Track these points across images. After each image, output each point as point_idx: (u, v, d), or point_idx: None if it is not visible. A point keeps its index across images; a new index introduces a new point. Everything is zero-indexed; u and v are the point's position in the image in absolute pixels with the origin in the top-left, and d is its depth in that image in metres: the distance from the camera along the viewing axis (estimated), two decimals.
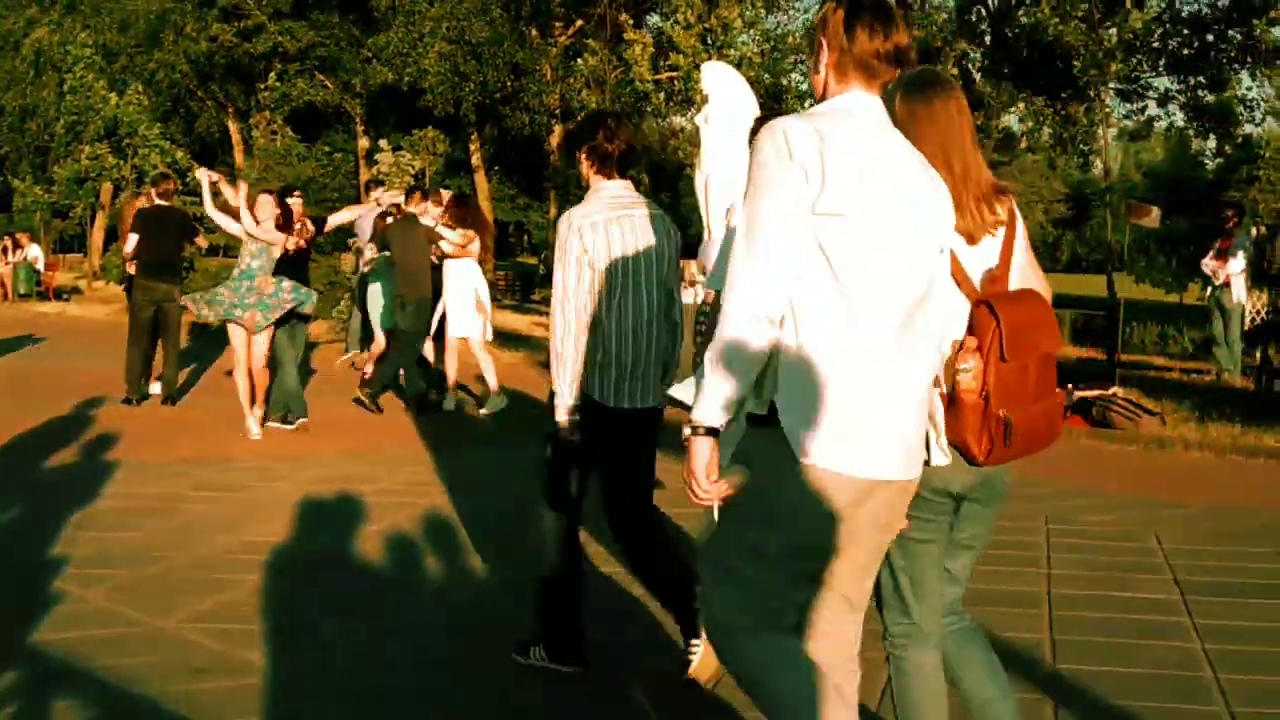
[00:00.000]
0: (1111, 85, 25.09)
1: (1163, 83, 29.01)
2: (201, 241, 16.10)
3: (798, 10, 34.09)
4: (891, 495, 3.62)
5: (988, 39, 26.81)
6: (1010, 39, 24.41)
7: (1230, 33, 26.62)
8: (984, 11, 27.66)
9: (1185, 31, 27.62)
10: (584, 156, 5.77)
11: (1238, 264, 17.81)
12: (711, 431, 3.54)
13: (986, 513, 4.18)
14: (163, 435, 12.50)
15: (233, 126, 48.31)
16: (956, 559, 4.27)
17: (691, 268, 19.58)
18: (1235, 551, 8.29)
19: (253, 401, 12.50)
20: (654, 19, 37.94)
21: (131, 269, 15.00)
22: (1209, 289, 18.37)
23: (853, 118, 3.57)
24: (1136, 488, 10.61)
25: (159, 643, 6.12)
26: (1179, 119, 29.56)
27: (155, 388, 14.95)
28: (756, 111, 18.79)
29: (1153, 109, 29.83)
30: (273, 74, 40.55)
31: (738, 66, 21.08)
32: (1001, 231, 4.00)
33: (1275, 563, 8.02)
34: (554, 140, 39.55)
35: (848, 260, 3.45)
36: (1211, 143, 29.03)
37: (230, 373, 13.33)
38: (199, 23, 41.59)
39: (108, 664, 5.80)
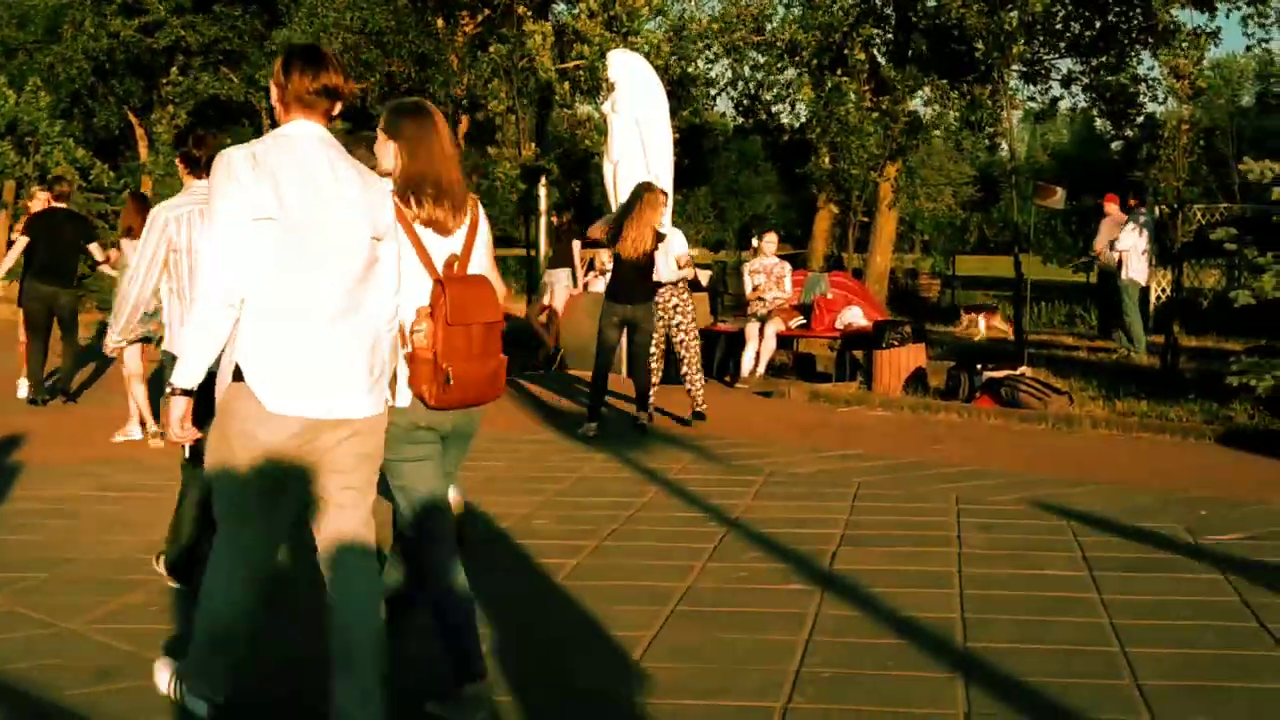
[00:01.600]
0: (1014, 67, 25.30)
1: (1065, 64, 29.28)
2: (99, 252, 15.41)
3: None
4: (339, 429, 4.67)
5: (892, 23, 26.94)
6: (914, 23, 24.51)
7: (1130, 13, 26.89)
8: None
9: (1086, 13, 27.87)
10: (179, 161, 7.14)
11: (1130, 239, 18.06)
12: (187, 392, 4.58)
13: (463, 447, 5.45)
14: (67, 436, 12.33)
15: (135, 122, 47.73)
16: None
17: (602, 256, 19.61)
18: (1143, 528, 8.38)
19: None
20: (560, 7, 37.90)
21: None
22: (1096, 268, 18.69)
23: (294, 141, 4.69)
24: (1045, 466, 10.70)
25: (66, 645, 6.04)
26: (1082, 100, 29.86)
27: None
28: (664, 99, 18.86)
29: (1056, 90, 30.12)
30: (175, 68, 40.08)
31: (645, 55, 21.05)
32: (465, 228, 5.19)
33: (1182, 537, 8.11)
34: (461, 130, 39.35)
35: (285, 252, 4.52)
36: (1113, 123, 29.35)
37: None
38: (98, 17, 41.03)
39: (14, 668, 5.71)
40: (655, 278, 12.66)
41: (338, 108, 4.86)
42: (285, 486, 4.72)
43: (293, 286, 4.54)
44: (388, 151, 5.14)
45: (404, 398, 4.99)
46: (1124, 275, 18.15)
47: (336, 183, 4.66)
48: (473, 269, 5.18)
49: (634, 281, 12.37)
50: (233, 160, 4.55)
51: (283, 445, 4.58)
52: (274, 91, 4.85)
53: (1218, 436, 11.90)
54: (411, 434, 5.06)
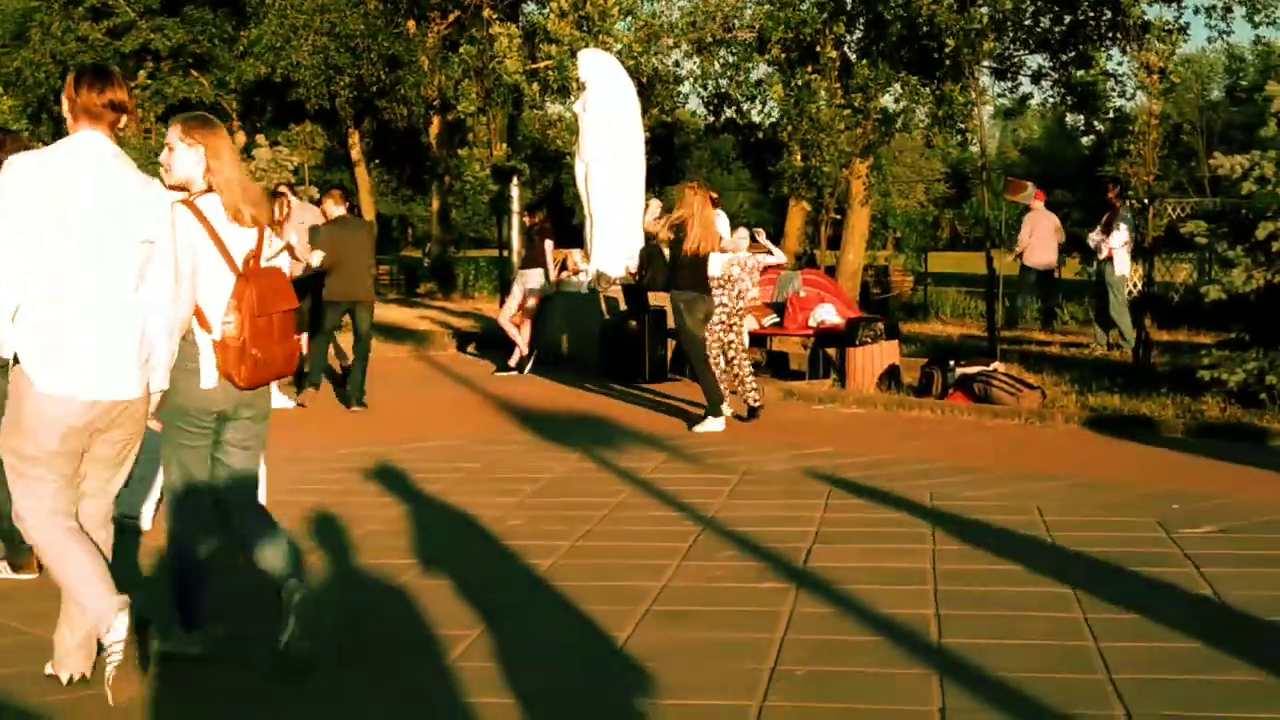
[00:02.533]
0: (985, 64, 25.35)
1: (1035, 60, 29.34)
2: None
3: None
4: (109, 410, 5.26)
5: (862, 21, 26.95)
6: (885, 20, 24.52)
7: (1099, 9, 26.95)
8: None
9: (1055, 8, 27.93)
10: None
11: (1120, 237, 18.08)
12: None
13: (261, 425, 5.94)
14: None
15: None
16: (232, 455, 5.88)
17: (574, 256, 19.62)
18: (1116, 522, 8.40)
19: None
20: (531, 7, 37.89)
21: None
22: (1094, 263, 18.67)
23: (79, 150, 5.26)
24: (1018, 462, 10.73)
25: (39, 652, 6.00)
26: (1052, 96, 29.93)
27: None
28: (635, 99, 18.84)
29: (1026, 86, 30.21)
30: (143, 71, 39.95)
31: (615, 54, 21.06)
32: (256, 228, 5.70)
33: (1155, 531, 8.14)
34: (433, 132, 39.31)
35: (62, 250, 5.08)
36: (1084, 119, 29.42)
37: None
38: (66, 21, 40.87)
39: None
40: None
41: (124, 120, 5.43)
42: (63, 455, 5.30)
43: (65, 281, 5.11)
44: (189, 158, 5.63)
45: (209, 379, 5.59)
46: (1115, 272, 18.18)
47: (114, 190, 5.23)
48: (265, 263, 5.76)
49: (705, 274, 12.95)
50: (18, 164, 5.16)
51: (57, 422, 5.20)
52: (65, 104, 5.39)
53: (1189, 430, 11.94)
54: (200, 417, 5.68)
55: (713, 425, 12.53)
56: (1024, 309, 22.12)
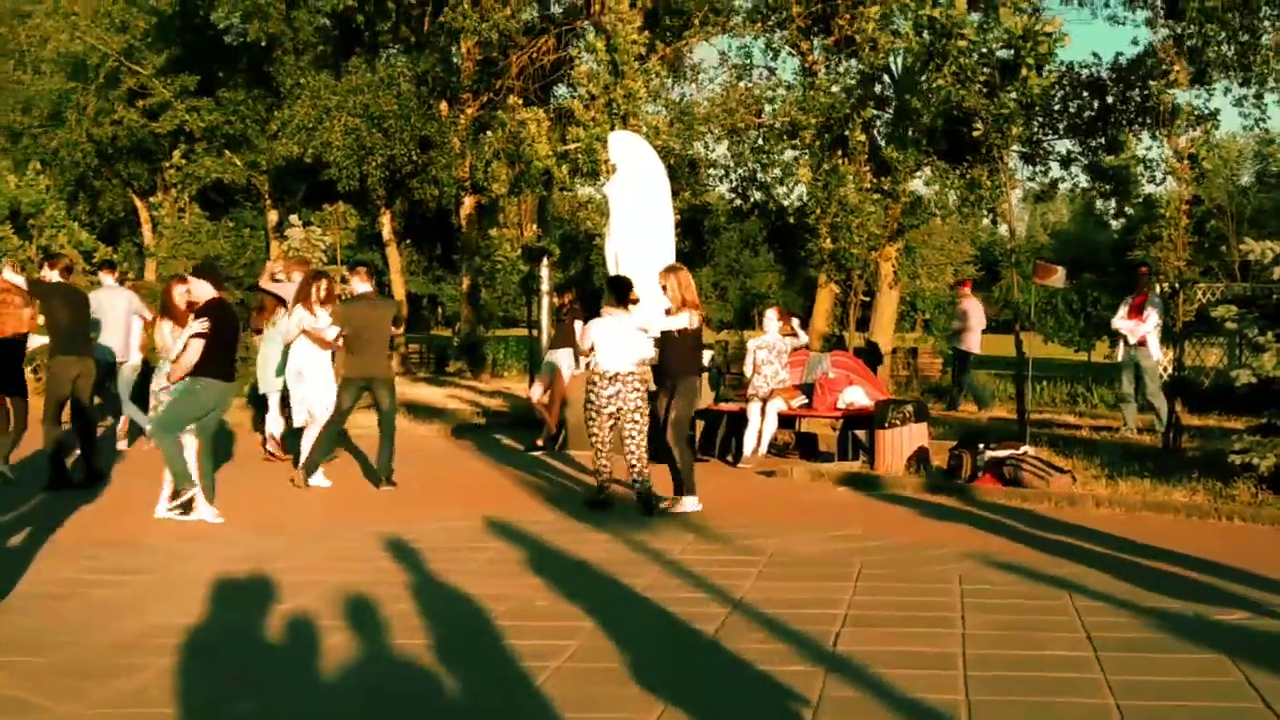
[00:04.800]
0: (1013, 148, 25.43)
1: (1064, 145, 29.47)
2: None
3: (705, 79, 34.36)
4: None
5: (892, 105, 27.12)
6: (914, 105, 24.68)
7: (1128, 94, 27.09)
8: (888, 79, 27.99)
9: (1084, 94, 28.09)
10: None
11: (1153, 321, 18.01)
12: None
13: None
14: (69, 517, 12.30)
15: (139, 204, 47.96)
16: None
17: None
18: (1146, 606, 8.34)
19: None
20: (562, 90, 38.14)
21: None
22: (1120, 347, 18.58)
23: None
24: (1048, 547, 10.67)
25: None
26: (1081, 180, 30.03)
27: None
28: (665, 179, 18.96)
29: (1056, 171, 30.34)
30: (178, 152, 40.32)
31: (645, 136, 21.18)
32: None
33: (1186, 615, 8.07)
34: (464, 212, 39.51)
35: None
36: (1114, 203, 29.51)
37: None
38: (102, 102, 41.32)
39: None
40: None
41: None
42: None
43: None
44: None
45: None
46: (1150, 356, 18.05)
47: None
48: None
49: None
50: None
51: None
52: None
53: (1221, 516, 11.88)
54: None
55: (692, 505, 12.62)
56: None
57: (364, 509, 12.78)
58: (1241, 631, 7.72)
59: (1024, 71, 20.73)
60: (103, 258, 31.99)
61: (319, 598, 8.63)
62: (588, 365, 18.37)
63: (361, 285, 14.47)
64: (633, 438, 12.59)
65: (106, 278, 18.10)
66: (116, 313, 17.18)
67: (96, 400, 16.51)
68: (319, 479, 14.20)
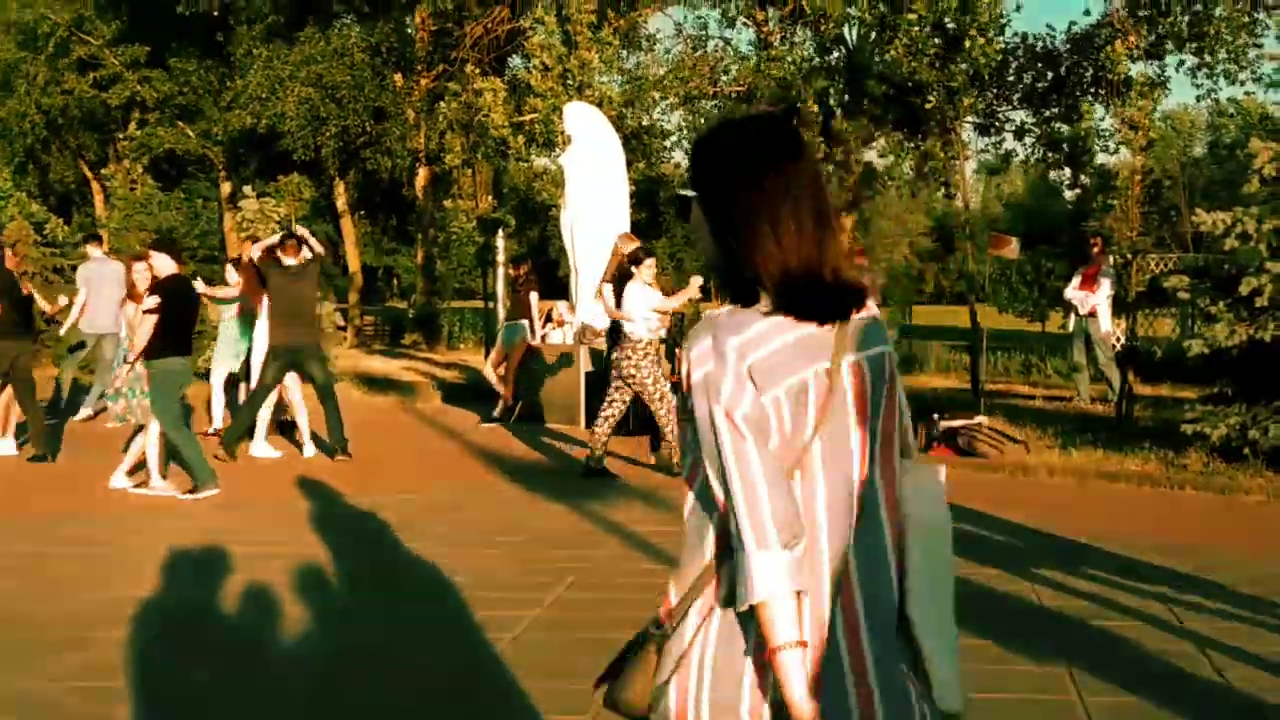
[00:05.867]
0: (968, 119, 25.50)
1: (1018, 116, 29.56)
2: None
3: (661, 50, 34.28)
4: None
5: (845, 76, 27.15)
6: (867, 76, 24.71)
7: (1082, 65, 27.18)
8: (843, 50, 28.02)
9: (1038, 65, 28.16)
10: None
11: (1104, 292, 18.07)
12: None
13: None
14: (23, 490, 12.25)
15: (90, 176, 47.62)
16: None
17: (559, 307, 19.66)
18: (1099, 576, 8.41)
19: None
20: (516, 61, 38.03)
21: None
22: (1072, 317, 18.66)
23: None
24: (1002, 516, 10.72)
25: (24, 704, 5.99)
26: (1036, 151, 30.11)
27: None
28: (620, 150, 18.95)
29: (1010, 142, 30.37)
30: (133, 124, 40.04)
31: (599, 106, 21.16)
32: None
33: (1128, 584, 8.14)
34: (419, 183, 39.39)
35: None
36: (1068, 173, 29.61)
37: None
38: (53, 72, 40.97)
39: None
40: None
41: None
42: None
43: None
44: None
45: None
46: (1100, 328, 18.12)
47: None
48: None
49: None
50: None
51: None
52: None
53: (1172, 484, 11.98)
54: None
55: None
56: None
57: (322, 481, 12.75)
58: (1185, 587, 7.79)
59: (968, 43, 20.80)
60: (54, 230, 31.80)
61: (278, 570, 8.62)
62: (542, 337, 18.40)
63: (288, 259, 14.45)
64: (664, 410, 12.74)
65: (94, 250, 18.04)
66: (107, 285, 17.04)
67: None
68: (265, 450, 14.19)
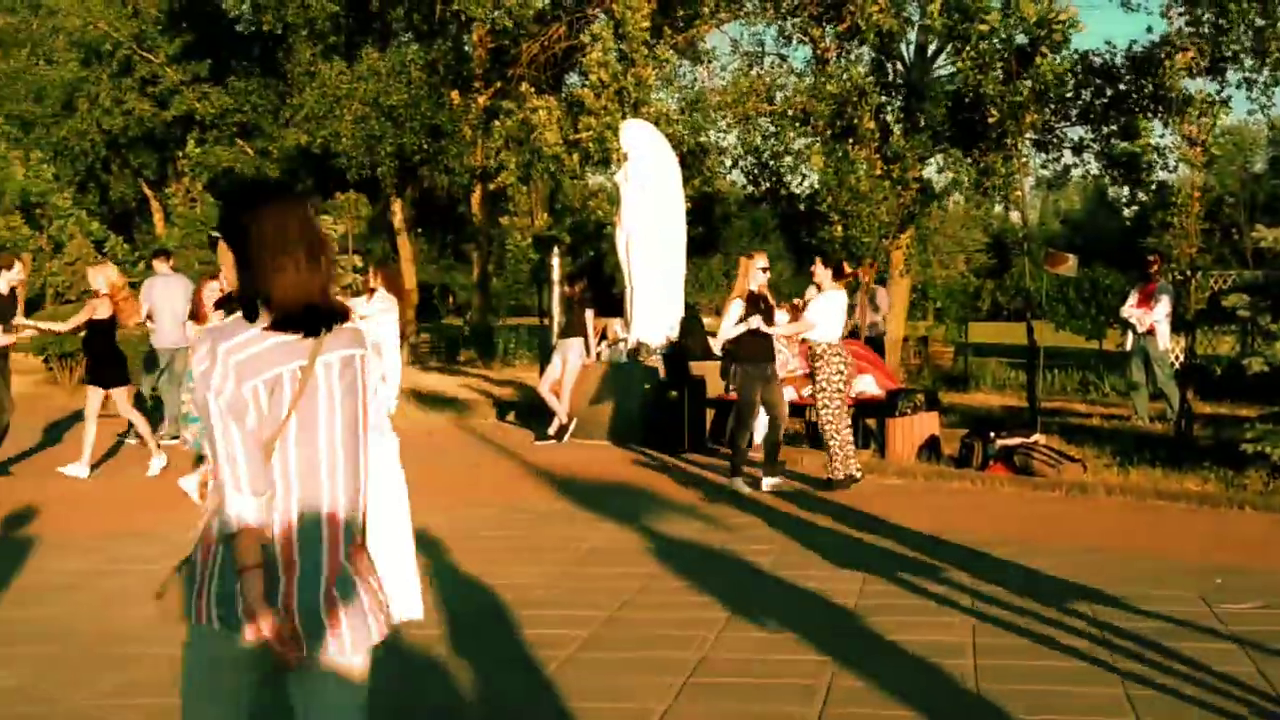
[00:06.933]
0: (1027, 135, 25.35)
1: (1077, 132, 29.37)
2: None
3: (717, 66, 34.26)
4: None
5: (903, 91, 27.05)
6: (926, 91, 24.61)
7: (1141, 82, 26.98)
8: (900, 65, 27.91)
9: (1097, 81, 27.98)
10: None
11: (1162, 310, 17.90)
12: None
13: None
14: (81, 510, 12.32)
15: (149, 194, 48.05)
16: None
17: (614, 325, 19.65)
18: (1157, 595, 8.32)
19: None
20: (573, 79, 38.09)
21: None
22: (1130, 335, 18.48)
23: None
24: (1059, 535, 10.63)
25: None
26: (1094, 168, 29.90)
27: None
28: (677, 168, 18.94)
29: (1069, 158, 30.16)
30: (191, 141, 40.33)
31: (655, 124, 21.15)
32: None
33: (1197, 606, 8.05)
34: (475, 201, 39.51)
35: None
36: (1126, 190, 29.39)
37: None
38: (115, 91, 41.34)
39: None
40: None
41: None
42: None
43: None
44: None
45: None
46: (1159, 346, 17.92)
47: None
48: None
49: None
50: None
51: None
52: None
53: (1232, 504, 11.84)
54: None
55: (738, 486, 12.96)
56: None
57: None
58: (1254, 620, 7.69)
59: (1038, 60, 20.68)
60: (114, 248, 32.08)
61: None
62: (597, 355, 18.36)
63: (161, 267, 17.66)
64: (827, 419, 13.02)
65: (161, 265, 18.14)
66: (175, 301, 17.10)
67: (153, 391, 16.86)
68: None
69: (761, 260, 13.51)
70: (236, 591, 3.57)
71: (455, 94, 37.41)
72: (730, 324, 12.99)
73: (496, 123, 30.24)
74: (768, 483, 13.02)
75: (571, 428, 17.33)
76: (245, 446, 3.54)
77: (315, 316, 3.64)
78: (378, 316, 14.05)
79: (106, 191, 48.96)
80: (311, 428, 3.65)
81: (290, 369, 3.61)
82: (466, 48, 38.98)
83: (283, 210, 3.70)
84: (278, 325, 3.60)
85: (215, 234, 3.78)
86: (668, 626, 7.69)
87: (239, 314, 3.68)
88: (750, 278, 13.07)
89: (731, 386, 13.27)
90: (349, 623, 3.78)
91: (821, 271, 13.32)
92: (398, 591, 4.03)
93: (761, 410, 13.36)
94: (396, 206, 41.42)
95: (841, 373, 12.93)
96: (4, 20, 50.05)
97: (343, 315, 3.76)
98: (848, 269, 13.50)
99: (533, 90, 27.31)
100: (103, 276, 14.67)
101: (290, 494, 3.63)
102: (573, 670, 6.82)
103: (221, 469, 3.54)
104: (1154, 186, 27.27)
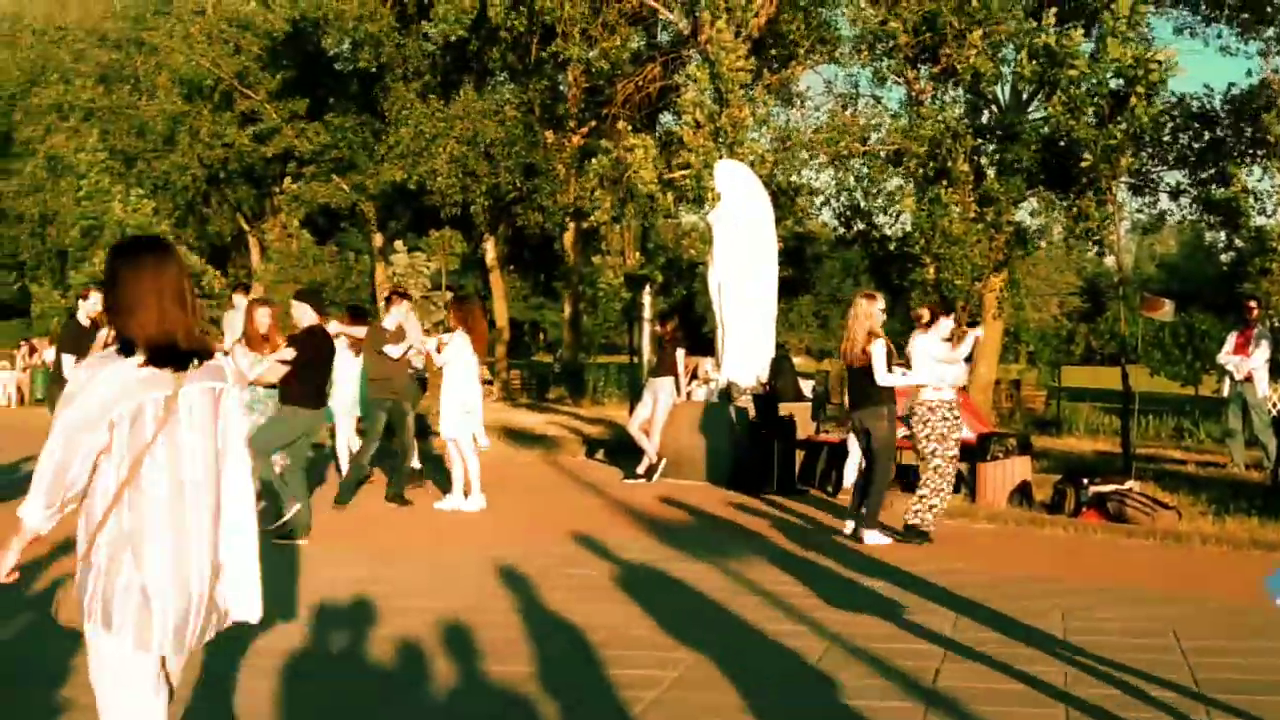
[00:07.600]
0: (1122, 179, 25.20)
1: (1173, 176, 29.18)
2: None
3: (811, 106, 34.32)
4: None
5: (997, 134, 26.98)
6: (1021, 134, 24.53)
7: (1240, 126, 26.78)
8: (995, 109, 27.84)
9: (1194, 125, 27.80)
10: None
11: (1261, 356, 17.69)
12: None
13: None
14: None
15: (247, 229, 48.64)
16: None
17: (705, 365, 19.67)
18: (1254, 647, 8.21)
19: None
20: (667, 118, 38.26)
21: None
22: (1227, 382, 18.27)
23: None
24: (1153, 583, 10.52)
25: None
26: (1190, 212, 29.68)
27: None
28: (770, 209, 18.97)
29: (1164, 202, 29.96)
30: (288, 177, 40.79)
31: (750, 164, 21.20)
32: None
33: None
34: (568, 239, 39.71)
35: None
36: (1223, 235, 29.17)
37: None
38: (215, 126, 41.92)
39: None
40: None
41: None
42: None
43: None
44: None
45: None
46: (1257, 393, 17.69)
47: None
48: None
49: (854, 387, 12.79)
50: None
51: None
52: None
53: None
54: None
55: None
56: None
57: (463, 534, 12.85)
58: None
59: (1133, 101, 20.56)
60: (211, 281, 32.51)
61: (420, 622, 8.68)
62: (688, 394, 18.36)
63: (241, 301, 17.59)
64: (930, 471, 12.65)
65: (239, 299, 18.47)
66: None
67: None
68: (461, 502, 14.58)
69: (881, 302, 13.11)
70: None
71: (550, 133, 37.64)
72: (882, 367, 12.47)
73: (590, 162, 30.41)
74: (870, 536, 12.43)
75: (661, 467, 17.34)
76: (75, 461, 4.10)
77: (177, 354, 4.24)
78: (447, 353, 14.26)
79: (205, 225, 49.60)
80: (175, 449, 4.23)
81: (154, 398, 4.19)
82: (561, 87, 39.23)
83: (148, 261, 4.33)
84: (149, 360, 4.19)
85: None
86: (756, 662, 7.67)
87: (115, 348, 4.27)
88: (874, 320, 12.71)
89: (868, 430, 12.72)
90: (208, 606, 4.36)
91: (946, 321, 13.08)
92: (239, 595, 4.47)
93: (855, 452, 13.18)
94: (489, 244, 41.67)
95: (959, 425, 12.69)
96: (108, 56, 50.97)
97: (207, 353, 4.37)
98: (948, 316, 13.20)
99: (629, 128, 27.44)
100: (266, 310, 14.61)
101: (157, 506, 4.18)
102: (660, 711, 6.82)
103: (43, 472, 4.10)
104: (1252, 232, 27.03)
